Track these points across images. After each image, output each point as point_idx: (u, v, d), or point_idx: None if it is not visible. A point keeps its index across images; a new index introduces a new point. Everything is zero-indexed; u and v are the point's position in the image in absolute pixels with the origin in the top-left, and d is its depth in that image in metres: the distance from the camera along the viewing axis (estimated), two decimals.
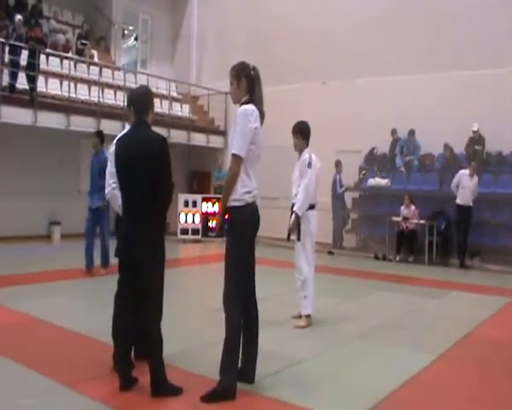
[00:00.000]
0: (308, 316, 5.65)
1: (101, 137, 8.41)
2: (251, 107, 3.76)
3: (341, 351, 5.01)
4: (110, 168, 4.41)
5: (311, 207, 5.62)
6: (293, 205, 5.58)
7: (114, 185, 4.37)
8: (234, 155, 3.68)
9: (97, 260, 8.50)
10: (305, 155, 5.61)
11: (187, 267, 10.20)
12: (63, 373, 4.11)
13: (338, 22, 13.51)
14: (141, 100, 3.84)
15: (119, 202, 4.05)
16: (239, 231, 3.75)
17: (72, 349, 4.82)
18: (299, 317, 5.73)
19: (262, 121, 3.84)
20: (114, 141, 4.14)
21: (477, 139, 11.55)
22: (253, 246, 3.90)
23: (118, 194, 4.14)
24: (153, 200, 3.68)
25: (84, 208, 12.67)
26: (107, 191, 4.38)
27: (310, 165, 5.53)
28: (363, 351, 5.01)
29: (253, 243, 3.89)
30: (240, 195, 3.72)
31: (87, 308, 6.39)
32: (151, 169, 3.64)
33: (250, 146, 3.70)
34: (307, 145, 5.69)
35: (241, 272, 3.78)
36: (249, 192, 3.74)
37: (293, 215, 5.49)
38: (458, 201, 10.75)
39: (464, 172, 10.75)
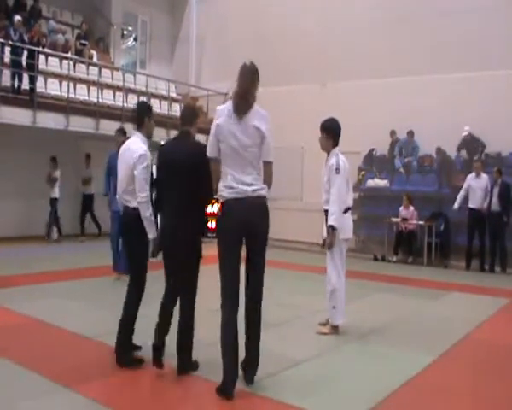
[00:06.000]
0: (336, 327, 5.47)
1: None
2: (221, 106, 3.86)
3: (340, 352, 5.01)
4: (147, 174, 4.35)
5: (344, 210, 5.33)
6: (325, 211, 5.31)
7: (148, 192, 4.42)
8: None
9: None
10: (332, 160, 5.26)
11: None
12: (63, 374, 4.11)
13: (337, 24, 13.53)
14: (185, 113, 4.36)
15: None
16: (218, 229, 3.87)
17: (72, 350, 4.81)
18: (326, 324, 5.56)
19: (238, 112, 3.74)
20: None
21: (469, 142, 11.61)
22: (235, 246, 3.78)
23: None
24: (194, 202, 4.04)
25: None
26: (144, 195, 4.29)
27: (338, 170, 5.18)
28: (362, 352, 5.01)
29: (234, 242, 3.78)
30: (220, 192, 3.80)
31: (87, 309, 6.39)
32: (193, 175, 3.99)
33: (219, 144, 3.77)
34: (334, 145, 5.34)
35: (223, 271, 3.81)
36: (228, 188, 3.75)
37: (330, 229, 5.18)
38: (470, 204, 10.60)
39: (472, 175, 10.71)
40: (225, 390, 3.69)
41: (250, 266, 3.89)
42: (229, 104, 3.81)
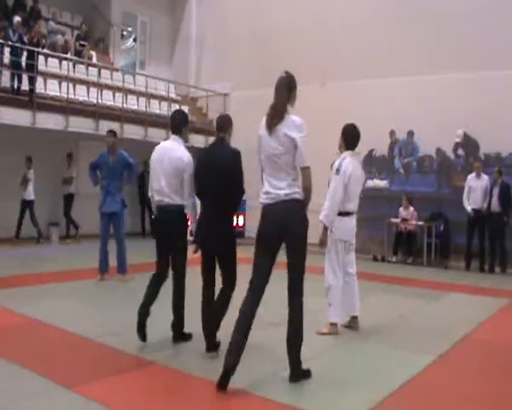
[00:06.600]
0: (333, 324, 5.50)
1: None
2: (264, 117, 4.05)
3: (340, 353, 5.02)
4: (191, 176, 4.82)
5: (343, 214, 5.39)
6: None
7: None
8: None
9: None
10: (337, 161, 5.44)
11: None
12: (62, 374, 4.11)
13: (337, 24, 13.53)
14: (220, 121, 4.78)
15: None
16: (257, 232, 4.06)
17: (71, 350, 4.81)
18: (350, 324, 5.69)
19: (268, 126, 3.97)
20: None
21: (463, 145, 11.70)
22: (267, 248, 3.99)
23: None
24: (228, 201, 4.54)
25: (85, 210, 12.74)
26: (190, 195, 4.80)
27: (338, 171, 5.33)
28: (362, 352, 5.01)
29: (267, 244, 3.99)
30: (259, 198, 4.05)
31: (86, 310, 6.39)
32: (227, 176, 4.47)
33: (260, 154, 4.04)
34: (347, 149, 5.51)
35: (253, 270, 4.02)
36: (264, 194, 4.00)
37: (321, 224, 5.29)
38: (470, 204, 10.65)
39: (472, 175, 10.76)
40: (219, 382, 3.77)
41: (287, 269, 4.04)
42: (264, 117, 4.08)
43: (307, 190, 3.99)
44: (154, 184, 4.89)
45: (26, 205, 11.92)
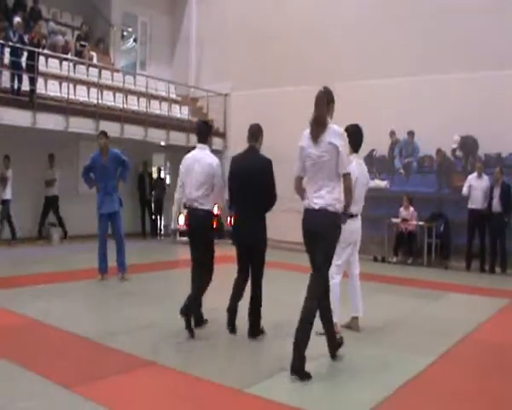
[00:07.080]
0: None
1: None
2: (305, 131, 4.39)
3: (340, 353, 5.01)
4: (221, 179, 5.43)
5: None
6: None
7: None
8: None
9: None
10: None
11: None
12: (62, 374, 4.11)
13: (337, 25, 13.52)
14: (252, 131, 5.25)
15: None
16: None
17: (72, 350, 4.82)
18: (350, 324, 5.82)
19: (313, 137, 4.29)
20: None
21: (460, 147, 11.75)
22: (308, 244, 4.40)
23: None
24: (261, 204, 5.10)
25: (84, 210, 12.69)
26: (222, 197, 5.47)
27: None
28: (361, 353, 5.01)
29: (307, 240, 4.40)
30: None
31: (86, 310, 6.39)
32: (259, 182, 5.03)
33: (304, 163, 4.36)
34: (353, 151, 5.53)
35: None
36: (305, 199, 4.39)
37: None
38: (470, 204, 10.66)
39: (473, 175, 10.77)
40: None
41: (312, 269, 4.41)
42: (307, 129, 4.39)
43: (349, 189, 4.40)
44: (185, 190, 5.43)
45: (5, 204, 11.67)
